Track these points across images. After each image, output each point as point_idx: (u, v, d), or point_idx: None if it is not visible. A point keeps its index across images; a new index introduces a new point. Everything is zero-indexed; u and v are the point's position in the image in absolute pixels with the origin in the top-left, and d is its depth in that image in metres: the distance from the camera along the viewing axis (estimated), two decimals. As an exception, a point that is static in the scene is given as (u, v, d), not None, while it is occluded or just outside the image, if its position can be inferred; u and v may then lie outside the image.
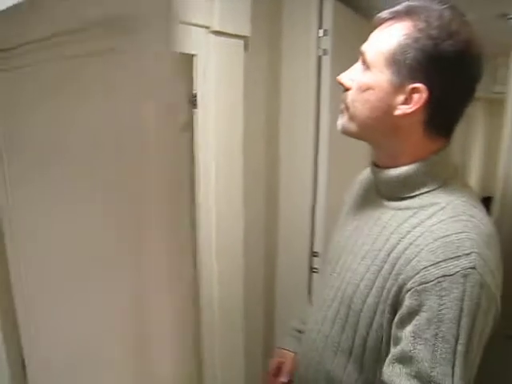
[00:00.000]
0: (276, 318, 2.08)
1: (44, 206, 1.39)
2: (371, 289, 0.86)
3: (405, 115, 0.84)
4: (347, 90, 0.92)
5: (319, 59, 1.81)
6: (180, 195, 1.38)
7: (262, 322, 1.97)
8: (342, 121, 0.96)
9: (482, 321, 0.75)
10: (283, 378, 1.23)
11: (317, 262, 2.00)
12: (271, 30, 1.77)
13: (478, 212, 0.84)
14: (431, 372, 0.74)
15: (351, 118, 0.92)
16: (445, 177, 0.88)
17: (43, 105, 1.27)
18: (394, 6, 0.86)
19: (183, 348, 1.41)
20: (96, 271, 1.24)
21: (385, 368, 0.81)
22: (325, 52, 1.80)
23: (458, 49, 0.78)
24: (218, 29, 1.36)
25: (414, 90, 0.81)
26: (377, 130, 0.90)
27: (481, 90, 0.84)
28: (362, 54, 0.90)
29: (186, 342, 1.46)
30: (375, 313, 0.86)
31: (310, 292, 2.01)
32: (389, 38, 0.83)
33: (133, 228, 1.16)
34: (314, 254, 2.00)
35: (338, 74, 1.02)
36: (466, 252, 0.74)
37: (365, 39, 0.93)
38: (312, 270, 2.01)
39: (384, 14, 0.87)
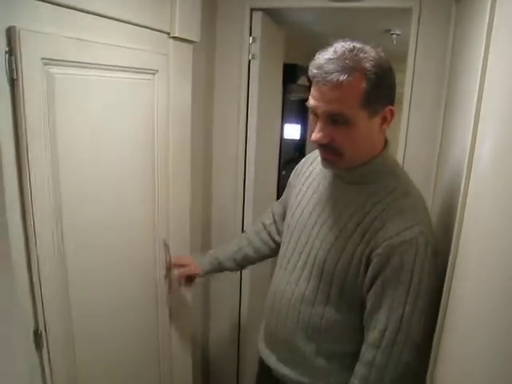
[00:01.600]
0: (211, 291, 2.37)
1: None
2: (342, 252, 1.14)
3: (382, 130, 1.15)
4: (322, 145, 1.11)
5: (249, 63, 2.09)
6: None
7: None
8: (336, 166, 1.16)
9: (430, 267, 1.07)
10: (180, 279, 1.66)
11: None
12: (210, 36, 2.01)
13: (416, 189, 1.19)
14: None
15: (348, 160, 1.13)
16: (390, 165, 1.21)
17: None
18: (324, 60, 1.03)
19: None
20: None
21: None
22: (253, 56, 2.09)
23: (391, 72, 1.10)
24: (176, 35, 1.58)
25: (387, 111, 1.12)
26: (364, 153, 1.14)
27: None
28: (328, 113, 1.05)
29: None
30: (348, 270, 1.14)
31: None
32: (354, 92, 1.03)
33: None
34: (244, 232, 2.29)
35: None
36: (416, 222, 1.08)
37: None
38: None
39: (328, 74, 1.02)
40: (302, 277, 1.25)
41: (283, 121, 3.27)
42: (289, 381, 1.31)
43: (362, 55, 1.04)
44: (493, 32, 0.94)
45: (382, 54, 1.08)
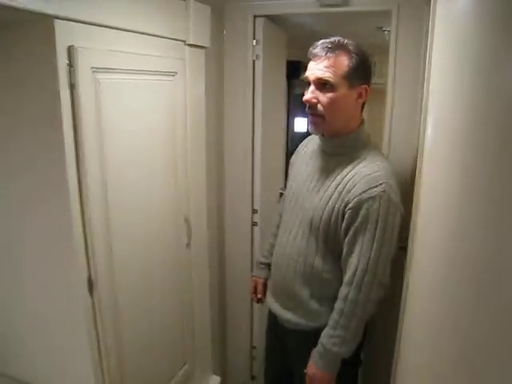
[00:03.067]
0: (226, 258, 2.69)
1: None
2: (324, 209, 1.44)
3: (357, 104, 1.45)
4: (312, 105, 1.41)
5: (253, 63, 2.39)
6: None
7: (216, 260, 2.56)
8: (320, 127, 1.45)
9: (392, 220, 1.36)
10: (259, 295, 1.84)
11: (256, 218, 2.61)
12: (218, 41, 2.32)
13: (384, 159, 1.48)
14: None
15: (329, 123, 1.43)
16: (364, 139, 1.51)
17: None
18: (320, 43, 1.40)
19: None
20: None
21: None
22: (257, 57, 2.38)
23: (368, 59, 1.42)
24: (191, 42, 1.89)
25: (363, 88, 1.43)
26: (342, 121, 1.45)
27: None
28: (318, 79, 1.38)
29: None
30: (329, 223, 1.43)
31: (252, 241, 2.62)
32: (340, 65, 1.37)
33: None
34: (254, 211, 2.61)
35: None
36: (380, 182, 1.36)
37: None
38: (253, 223, 2.62)
39: (322, 50, 1.38)
40: (298, 235, 1.55)
41: (290, 114, 3.58)
42: (290, 324, 1.62)
43: (347, 42, 1.42)
44: (435, 26, 1.22)
45: (362, 46, 1.43)
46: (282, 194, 3.03)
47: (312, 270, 1.51)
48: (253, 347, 2.82)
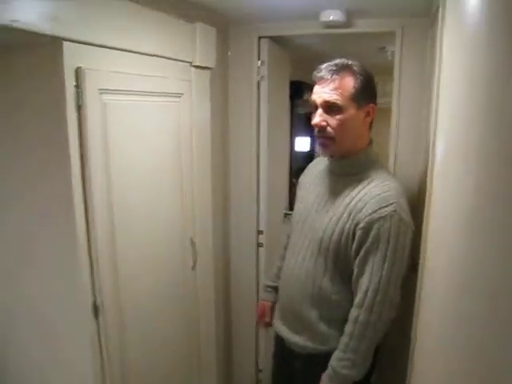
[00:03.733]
0: (231, 279, 2.65)
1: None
2: (334, 229, 1.42)
3: (365, 123, 1.45)
4: (321, 128, 1.40)
5: (258, 83, 2.40)
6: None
7: (221, 281, 2.52)
8: (330, 149, 1.45)
9: (403, 239, 1.34)
10: (267, 318, 1.81)
11: (261, 239, 2.58)
12: (224, 62, 2.33)
13: (393, 178, 1.47)
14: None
15: (339, 145, 1.42)
16: (373, 159, 1.50)
17: None
18: (325, 66, 1.40)
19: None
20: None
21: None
22: (262, 78, 2.39)
23: (373, 78, 1.42)
24: (197, 64, 1.90)
25: (370, 107, 1.43)
26: (351, 142, 1.44)
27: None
28: (326, 102, 1.37)
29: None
30: (340, 243, 1.41)
31: (257, 261, 2.59)
32: (346, 87, 1.37)
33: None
34: (259, 232, 2.58)
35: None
36: (390, 202, 1.34)
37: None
38: (258, 244, 2.59)
39: (327, 73, 1.38)
40: (306, 256, 1.52)
41: (293, 134, 3.58)
42: (297, 347, 1.58)
43: (351, 63, 1.42)
44: (443, 48, 1.23)
45: (366, 67, 1.44)
46: (286, 215, 3.02)
47: (320, 291, 1.48)
48: (259, 370, 2.76)
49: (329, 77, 1.38)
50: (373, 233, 1.34)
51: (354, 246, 1.38)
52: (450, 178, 1.06)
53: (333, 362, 1.43)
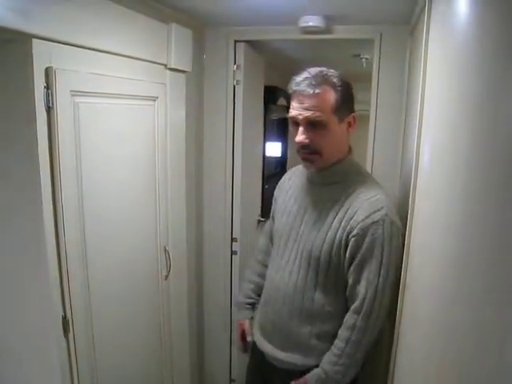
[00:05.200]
0: (205, 287, 2.58)
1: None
2: (325, 240, 1.37)
3: (347, 133, 1.41)
4: (305, 146, 1.35)
5: (234, 88, 2.35)
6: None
7: (195, 290, 2.45)
8: (315, 164, 1.40)
9: (396, 242, 1.32)
10: (249, 338, 1.73)
11: (235, 247, 2.53)
12: (199, 66, 2.27)
13: (378, 183, 1.44)
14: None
15: (325, 158, 1.38)
16: (355, 165, 1.47)
17: None
18: (302, 79, 1.32)
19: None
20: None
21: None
22: (238, 82, 2.34)
23: (351, 87, 1.39)
24: (172, 66, 1.83)
25: (351, 118, 1.39)
26: (336, 152, 1.40)
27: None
28: (308, 120, 1.32)
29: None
30: (331, 254, 1.36)
31: (231, 269, 2.53)
32: (327, 102, 1.32)
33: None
34: (233, 240, 2.52)
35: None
36: (381, 206, 1.31)
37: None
38: (232, 252, 2.53)
39: (306, 88, 1.31)
40: (293, 270, 1.46)
41: (265, 139, 3.54)
42: (285, 364, 1.49)
43: (329, 74, 1.35)
44: (428, 57, 1.21)
45: (343, 75, 1.38)
46: (259, 222, 2.98)
47: (312, 304, 1.42)
48: (232, 380, 2.70)
49: (309, 92, 1.31)
50: (367, 239, 1.30)
51: (348, 254, 1.34)
52: (436, 188, 1.04)
53: (325, 365, 1.38)
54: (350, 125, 1.40)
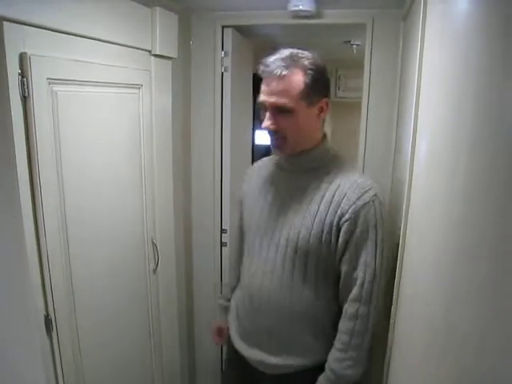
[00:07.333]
0: (194, 279, 2.54)
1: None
2: (311, 229, 1.30)
3: (319, 119, 1.35)
4: (271, 131, 1.29)
5: (222, 75, 2.28)
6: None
7: (184, 282, 2.40)
8: (284, 149, 1.34)
9: (385, 222, 1.28)
10: (222, 342, 1.69)
11: (225, 238, 2.48)
12: (186, 52, 2.19)
13: (354, 164, 1.39)
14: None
15: (292, 144, 1.31)
16: (331, 151, 1.41)
17: None
18: (272, 60, 1.24)
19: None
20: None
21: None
22: (226, 69, 2.27)
23: (326, 70, 1.31)
24: (157, 52, 1.76)
25: (323, 102, 1.33)
26: (305, 139, 1.34)
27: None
28: (274, 105, 1.24)
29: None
30: (320, 242, 1.29)
31: (221, 261, 2.49)
32: (295, 86, 1.23)
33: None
34: (223, 231, 2.47)
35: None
36: (369, 187, 1.27)
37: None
38: (222, 244, 2.48)
39: (274, 70, 1.22)
40: (276, 265, 1.36)
41: (255, 127, 3.48)
42: (275, 369, 1.41)
43: (301, 55, 1.27)
44: (425, 45, 1.16)
45: (318, 57, 1.30)
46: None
47: (302, 300, 1.34)
48: (223, 371, 2.67)
49: (276, 74, 1.23)
50: (360, 221, 1.26)
51: (341, 239, 1.28)
52: (435, 183, 1.00)
53: (332, 364, 1.31)
54: (321, 110, 1.34)
